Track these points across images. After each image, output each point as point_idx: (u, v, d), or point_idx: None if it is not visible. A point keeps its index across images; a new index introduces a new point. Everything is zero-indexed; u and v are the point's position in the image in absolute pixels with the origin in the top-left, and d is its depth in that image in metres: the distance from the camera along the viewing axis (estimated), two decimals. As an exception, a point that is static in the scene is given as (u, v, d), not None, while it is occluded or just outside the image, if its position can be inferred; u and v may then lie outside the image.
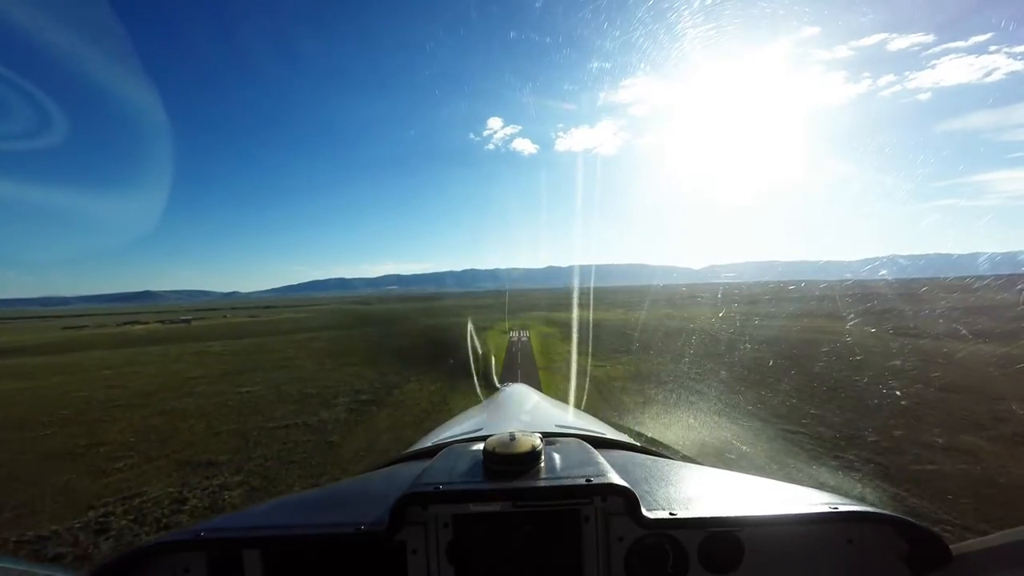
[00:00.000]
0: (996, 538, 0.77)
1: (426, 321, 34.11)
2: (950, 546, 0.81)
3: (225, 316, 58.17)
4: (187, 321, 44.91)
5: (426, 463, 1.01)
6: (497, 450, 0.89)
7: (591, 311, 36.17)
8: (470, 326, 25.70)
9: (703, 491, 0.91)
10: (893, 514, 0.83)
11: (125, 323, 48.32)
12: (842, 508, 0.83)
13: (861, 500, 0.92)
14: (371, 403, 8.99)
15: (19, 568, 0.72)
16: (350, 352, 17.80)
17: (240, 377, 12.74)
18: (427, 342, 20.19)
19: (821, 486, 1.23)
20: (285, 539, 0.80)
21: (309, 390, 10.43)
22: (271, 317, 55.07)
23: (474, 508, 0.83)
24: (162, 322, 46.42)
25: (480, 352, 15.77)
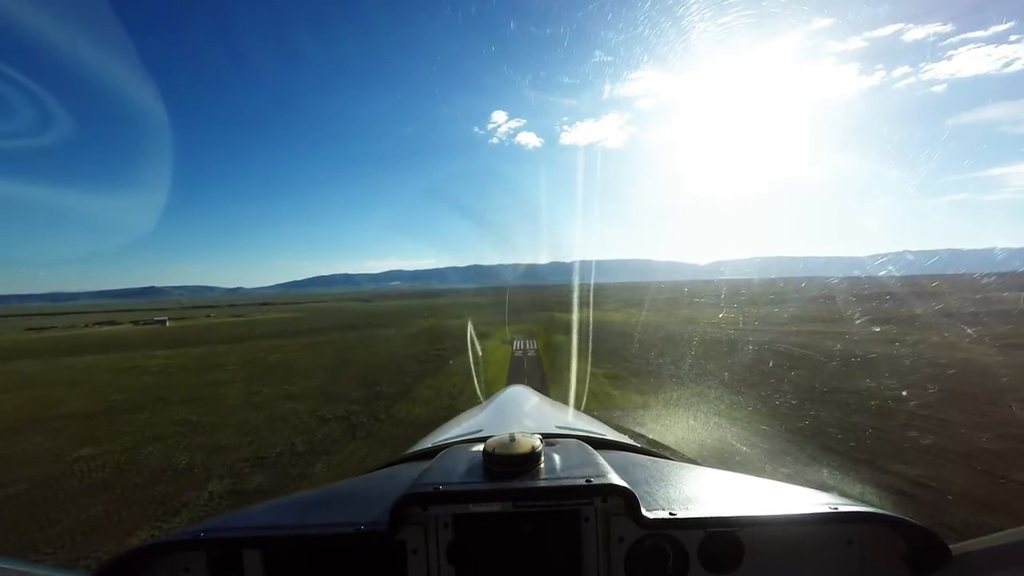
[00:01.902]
0: (996, 538, 0.77)
1: (418, 324, 30.26)
2: (950, 546, 0.80)
3: (208, 316, 54.48)
4: (162, 322, 41.30)
5: (426, 464, 1.01)
6: (497, 451, 0.89)
7: (605, 312, 32.24)
8: (468, 330, 21.90)
9: (703, 491, 0.91)
10: (893, 514, 0.82)
11: (97, 323, 44.83)
12: (842, 508, 0.82)
13: (861, 500, 0.91)
14: (260, 498, 5.03)
15: (19, 568, 0.73)
16: (307, 371, 13.93)
17: (117, 419, 8.88)
18: (410, 356, 16.29)
19: (821, 486, 1.14)
20: (285, 539, 0.80)
21: (181, 459, 6.48)
22: (257, 316, 51.40)
23: (474, 508, 0.83)
24: (136, 323, 42.89)
25: (476, 372, 11.92)
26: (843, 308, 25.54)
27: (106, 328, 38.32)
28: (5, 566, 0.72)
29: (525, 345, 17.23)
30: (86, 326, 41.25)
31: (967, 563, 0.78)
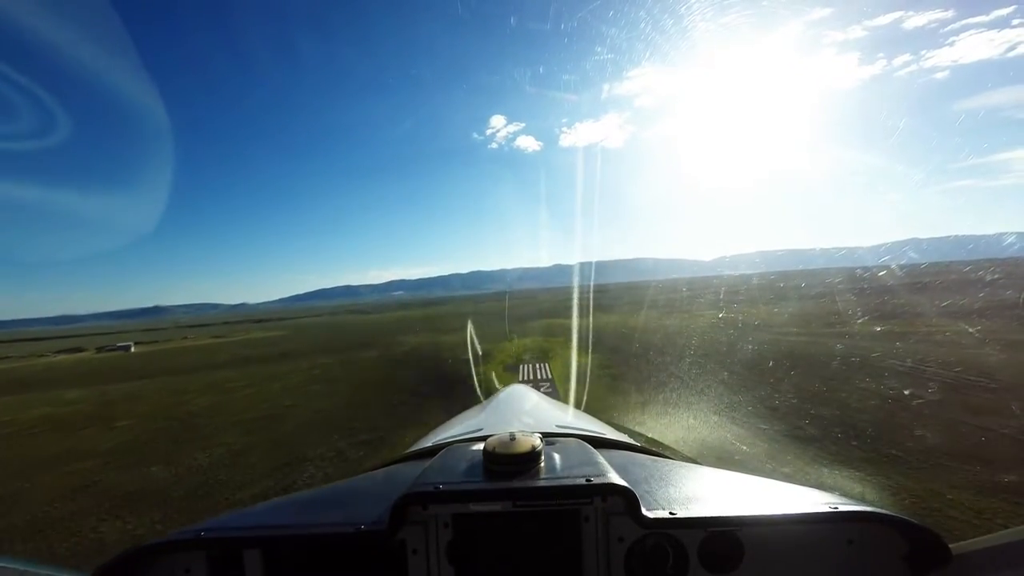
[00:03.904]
0: (996, 538, 0.77)
1: (407, 343, 25.96)
2: (950, 546, 0.80)
3: (185, 337, 50.43)
4: (125, 348, 37.16)
5: (426, 463, 1.00)
6: (497, 450, 0.88)
7: (620, 318, 27.82)
8: (462, 351, 17.82)
9: (703, 491, 0.90)
10: (893, 514, 0.82)
11: (61, 351, 40.82)
12: (842, 508, 0.82)
13: (862, 500, 0.90)
14: None
15: (19, 568, 0.73)
16: (224, 428, 9.75)
17: None
18: (380, 397, 12.07)
19: (821, 486, 1.12)
20: (285, 539, 0.80)
21: None
22: (238, 336, 47.14)
23: (474, 508, 0.83)
24: (100, 349, 38.87)
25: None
26: (881, 302, 21.19)
27: (61, 357, 34.26)
28: (5, 565, 0.71)
29: (536, 373, 12.86)
30: (42, 355, 37.14)
31: (967, 563, 0.77)
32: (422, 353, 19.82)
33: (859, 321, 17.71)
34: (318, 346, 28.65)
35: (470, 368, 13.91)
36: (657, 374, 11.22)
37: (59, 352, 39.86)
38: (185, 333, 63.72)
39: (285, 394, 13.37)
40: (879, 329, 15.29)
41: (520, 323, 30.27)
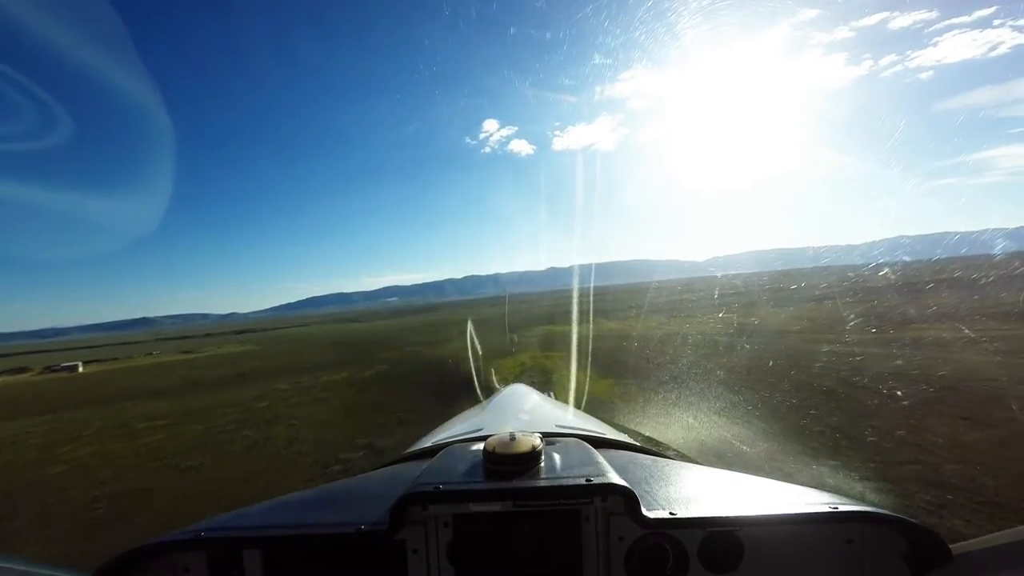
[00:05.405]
0: (996, 538, 0.77)
1: (388, 357, 22.50)
2: (950, 546, 0.80)
3: (150, 353, 46.26)
4: (72, 368, 33.26)
5: (426, 463, 1.00)
6: (497, 450, 0.88)
7: (624, 325, 24.64)
8: (452, 370, 14.54)
9: (703, 491, 0.90)
10: (893, 514, 0.81)
11: (3, 372, 36.73)
12: (842, 508, 0.82)
13: (861, 500, 0.90)
14: None
15: (19, 568, 0.73)
16: (88, 507, 6.16)
17: None
18: (321, 445, 8.66)
19: (821, 486, 1.10)
20: (285, 539, 0.80)
21: None
22: (206, 352, 43.12)
23: (474, 508, 0.83)
24: (47, 369, 34.82)
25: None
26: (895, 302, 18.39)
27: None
28: (5, 565, 0.70)
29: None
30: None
31: (967, 563, 0.77)
32: (398, 375, 16.38)
33: (896, 329, 14.64)
34: (284, 365, 24.97)
35: (453, 406, 10.48)
36: (689, 402, 7.96)
37: (3, 372, 35.72)
38: (157, 347, 59.49)
39: (201, 443, 9.78)
40: (929, 336, 12.19)
41: (515, 331, 26.90)
